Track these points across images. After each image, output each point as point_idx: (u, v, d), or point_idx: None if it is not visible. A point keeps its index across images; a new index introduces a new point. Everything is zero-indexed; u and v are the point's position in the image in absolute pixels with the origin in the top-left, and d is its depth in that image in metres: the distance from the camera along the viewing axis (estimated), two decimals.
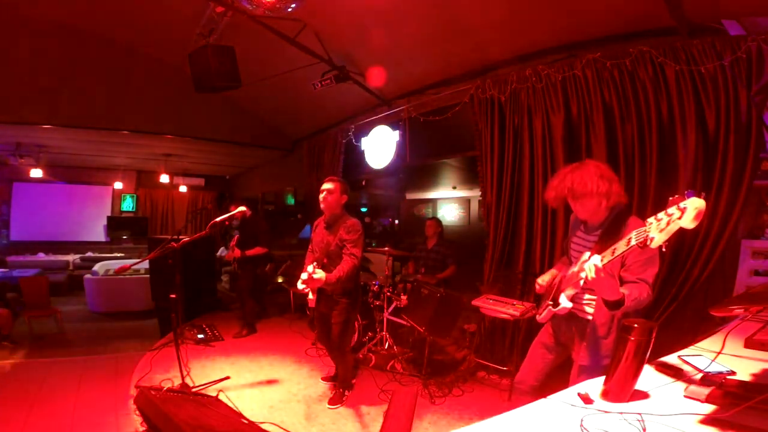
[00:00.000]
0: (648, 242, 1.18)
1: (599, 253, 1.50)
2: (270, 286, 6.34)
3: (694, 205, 1.07)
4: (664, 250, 1.18)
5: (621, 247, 1.38)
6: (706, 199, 1.09)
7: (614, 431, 1.05)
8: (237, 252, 4.72)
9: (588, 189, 1.70)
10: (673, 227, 1.11)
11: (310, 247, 3.25)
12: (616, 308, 1.54)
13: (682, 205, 1.09)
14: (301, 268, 3.20)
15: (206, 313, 5.54)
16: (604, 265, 1.45)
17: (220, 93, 4.80)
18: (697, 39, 2.53)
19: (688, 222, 1.07)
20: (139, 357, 3.85)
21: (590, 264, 1.48)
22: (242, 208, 3.49)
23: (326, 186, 2.95)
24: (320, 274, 2.66)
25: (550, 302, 1.91)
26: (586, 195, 1.72)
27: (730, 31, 2.45)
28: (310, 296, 2.91)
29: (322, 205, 2.97)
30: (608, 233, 1.69)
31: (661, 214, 1.15)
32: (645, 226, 1.21)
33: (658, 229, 1.15)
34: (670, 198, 1.13)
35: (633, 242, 1.30)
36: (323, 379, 3.48)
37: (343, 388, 3.16)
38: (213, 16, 3.77)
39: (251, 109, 6.57)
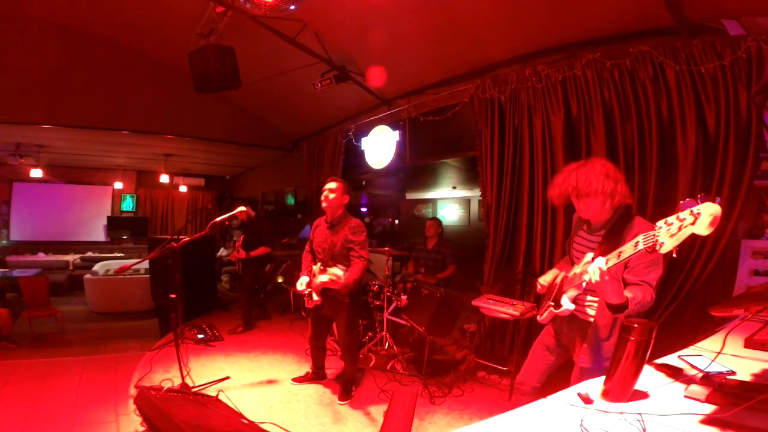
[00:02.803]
0: (657, 247, 1.12)
1: (603, 255, 1.47)
2: (270, 286, 6.35)
3: (710, 210, 1.00)
4: (675, 256, 1.11)
5: (628, 250, 1.34)
6: (719, 203, 1.02)
7: (614, 431, 1.05)
8: (242, 253, 4.73)
9: (593, 188, 1.65)
10: (685, 233, 1.04)
11: (307, 247, 3.24)
12: (620, 312, 1.52)
13: (695, 209, 1.03)
14: (300, 268, 3.21)
15: (206, 313, 5.54)
16: (608, 268, 1.42)
17: (220, 93, 4.82)
18: (697, 39, 2.53)
19: (703, 228, 1.01)
20: (139, 357, 3.85)
21: (595, 266, 1.45)
22: (242, 208, 3.50)
23: (329, 186, 2.96)
24: (337, 272, 2.66)
25: (552, 303, 1.90)
26: (591, 194, 1.67)
27: (730, 31, 2.45)
28: (315, 297, 2.93)
29: (323, 205, 2.97)
30: (612, 234, 1.67)
31: (671, 219, 1.09)
32: (652, 228, 1.16)
33: (668, 234, 1.09)
34: (681, 201, 1.08)
35: (641, 246, 1.25)
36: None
37: (350, 384, 3.20)
38: (213, 16, 3.77)
39: (251, 109, 6.57)
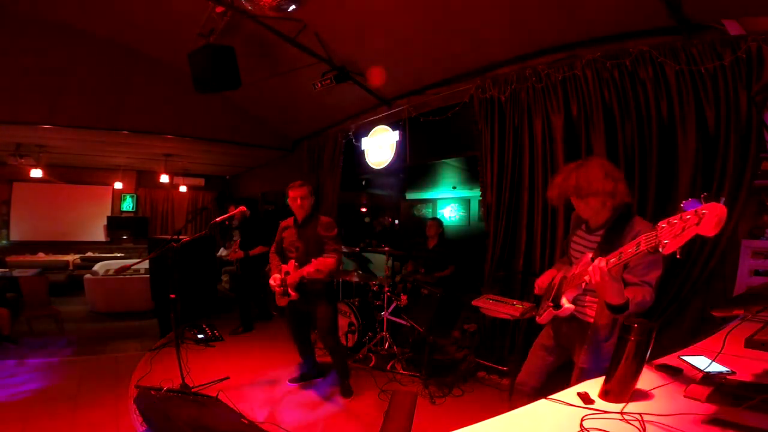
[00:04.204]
0: (660, 248, 1.10)
1: (602, 255, 1.47)
2: None
3: (716, 211, 0.99)
4: (678, 257, 1.08)
5: (629, 251, 1.33)
6: (723, 202, 1.00)
7: (614, 431, 1.05)
8: (240, 253, 4.73)
9: (593, 188, 1.64)
10: (689, 233, 1.02)
11: (274, 247, 3.34)
12: (620, 312, 1.51)
13: (701, 210, 1.01)
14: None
15: (206, 313, 5.54)
16: (609, 268, 1.41)
17: (220, 93, 4.81)
18: (697, 39, 2.53)
19: (709, 229, 0.99)
20: (139, 357, 3.85)
21: (595, 267, 1.44)
22: (241, 208, 3.50)
23: (300, 194, 3.08)
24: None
25: (551, 303, 1.89)
26: (591, 194, 1.66)
27: (730, 31, 2.45)
28: (291, 294, 3.01)
29: (298, 213, 3.12)
30: (611, 234, 1.66)
31: (674, 219, 1.07)
32: (652, 228, 1.15)
33: (671, 235, 1.07)
34: (683, 202, 1.06)
35: (642, 247, 1.24)
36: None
37: (346, 380, 3.22)
38: (213, 16, 3.78)
39: (251, 109, 6.57)
